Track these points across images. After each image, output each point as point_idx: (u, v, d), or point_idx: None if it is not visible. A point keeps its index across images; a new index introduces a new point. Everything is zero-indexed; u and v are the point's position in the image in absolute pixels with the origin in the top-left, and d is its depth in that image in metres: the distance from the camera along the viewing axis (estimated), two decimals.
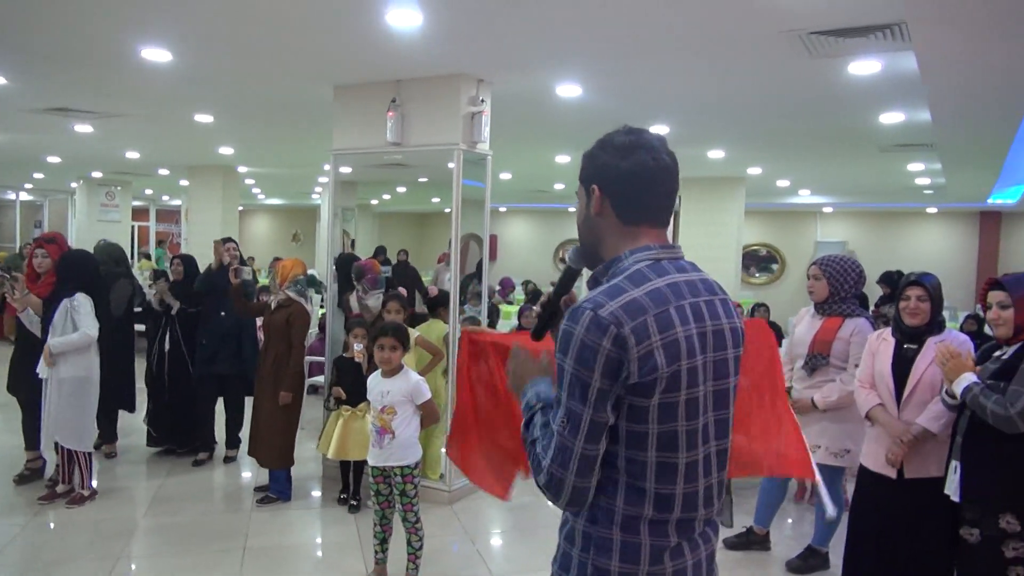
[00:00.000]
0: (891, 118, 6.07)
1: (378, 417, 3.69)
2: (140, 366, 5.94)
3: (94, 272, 4.88)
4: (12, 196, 17.76)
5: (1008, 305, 2.88)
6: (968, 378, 2.92)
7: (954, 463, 3.01)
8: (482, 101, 5.09)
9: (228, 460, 5.82)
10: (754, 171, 10.07)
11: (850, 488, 3.75)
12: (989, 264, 14.15)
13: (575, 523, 1.49)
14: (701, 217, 10.54)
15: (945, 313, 3.58)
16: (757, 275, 16.42)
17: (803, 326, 4.00)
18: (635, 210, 1.50)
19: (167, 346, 5.76)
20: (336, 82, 5.41)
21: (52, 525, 4.53)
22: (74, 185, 14.91)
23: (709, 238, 10.57)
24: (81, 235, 13.18)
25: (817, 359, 3.85)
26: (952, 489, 2.99)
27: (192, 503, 4.94)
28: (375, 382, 3.80)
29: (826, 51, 4.21)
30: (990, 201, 12.32)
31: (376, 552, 3.86)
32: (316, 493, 5.25)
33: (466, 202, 5.06)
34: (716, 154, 8.40)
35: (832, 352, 3.82)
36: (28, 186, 16.78)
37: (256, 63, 5.07)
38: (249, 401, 5.33)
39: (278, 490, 4.99)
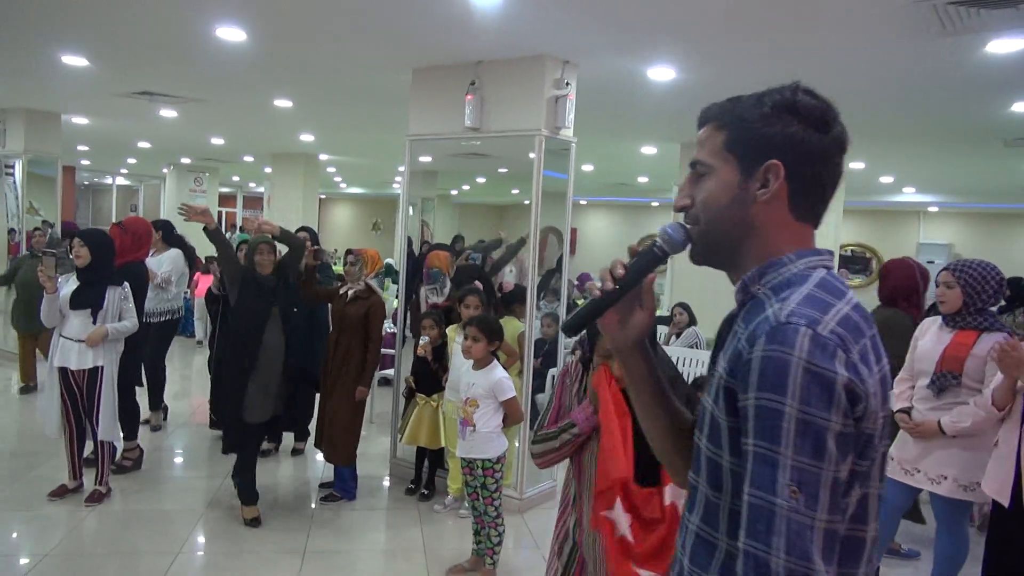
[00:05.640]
0: None
1: (461, 408, 3.74)
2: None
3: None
4: (109, 180, 18.48)
5: None
6: None
7: None
8: (567, 84, 4.74)
9: (296, 452, 5.70)
10: (856, 165, 9.37)
11: None
12: None
13: None
14: None
15: None
16: (851, 277, 15.49)
17: (929, 339, 3.48)
18: (816, 201, 1.16)
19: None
20: (414, 65, 5.17)
21: (112, 515, 4.46)
22: (165, 171, 15.32)
23: None
24: (172, 219, 13.46)
25: (946, 378, 3.33)
26: None
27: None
28: (465, 372, 3.81)
29: (964, 26, 3.68)
30: None
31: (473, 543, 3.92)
32: (383, 493, 5.05)
33: (545, 194, 4.74)
34: None
35: (965, 371, 3.29)
36: (124, 171, 17.40)
37: (333, 43, 4.86)
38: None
39: (343, 488, 4.81)
